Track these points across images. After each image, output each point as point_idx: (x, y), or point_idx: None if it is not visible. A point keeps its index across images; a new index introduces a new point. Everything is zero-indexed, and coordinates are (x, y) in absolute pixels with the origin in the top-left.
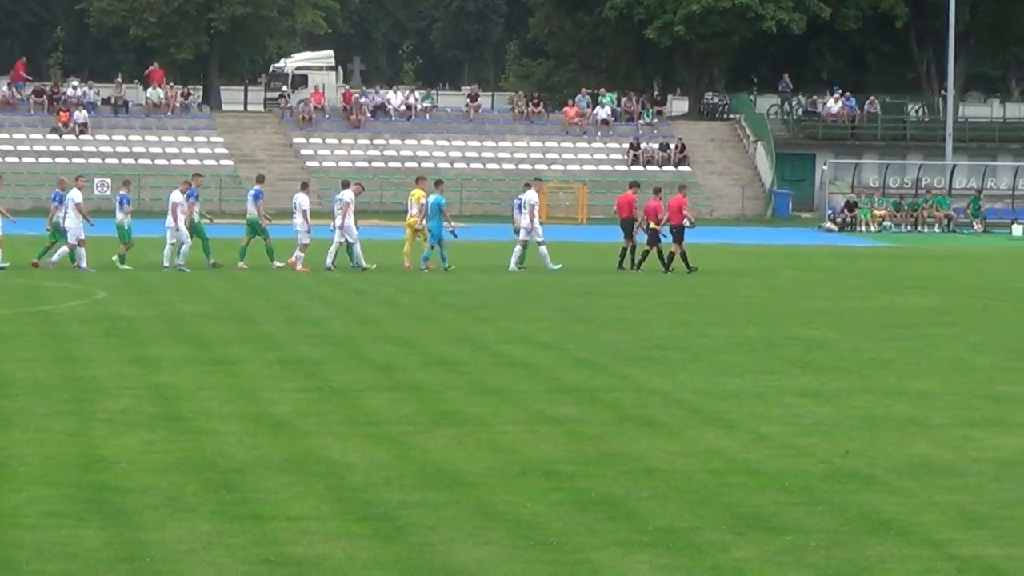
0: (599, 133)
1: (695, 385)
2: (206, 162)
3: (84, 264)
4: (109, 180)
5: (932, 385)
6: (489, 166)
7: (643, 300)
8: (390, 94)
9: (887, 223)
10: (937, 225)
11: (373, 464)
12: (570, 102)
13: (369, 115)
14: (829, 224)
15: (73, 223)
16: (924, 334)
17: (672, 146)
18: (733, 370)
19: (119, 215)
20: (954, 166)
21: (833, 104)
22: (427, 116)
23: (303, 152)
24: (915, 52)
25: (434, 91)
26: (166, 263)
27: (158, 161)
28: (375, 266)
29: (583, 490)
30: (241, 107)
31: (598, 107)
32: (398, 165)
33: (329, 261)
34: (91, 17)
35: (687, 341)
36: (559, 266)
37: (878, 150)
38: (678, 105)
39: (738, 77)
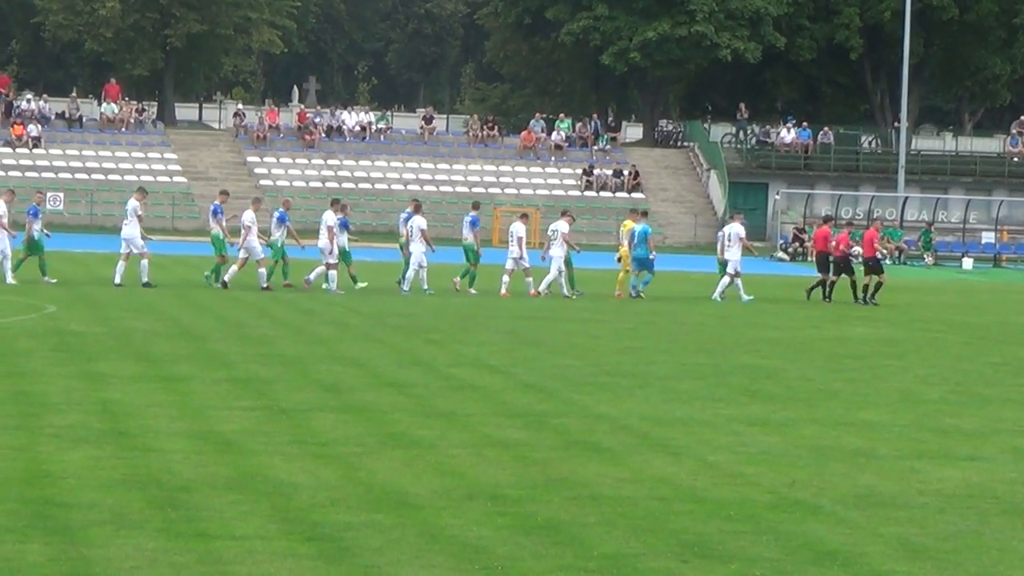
0: (553, 158)
1: (643, 412)
2: (159, 178)
3: (312, 278)
4: (62, 194)
5: (879, 416)
6: (443, 189)
7: (593, 326)
8: (345, 115)
9: None
10: (888, 257)
11: (320, 484)
12: (526, 127)
13: (323, 135)
14: (781, 253)
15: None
16: (872, 365)
17: (626, 172)
18: (681, 397)
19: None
20: (906, 198)
21: (786, 134)
22: (381, 137)
23: (257, 171)
24: (869, 84)
25: (389, 112)
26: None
27: (111, 176)
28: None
29: (529, 515)
30: (196, 124)
31: (553, 132)
32: (352, 186)
33: (544, 287)
34: (47, 31)
35: (636, 367)
36: (751, 298)
37: (831, 181)
38: (632, 132)
39: (693, 105)
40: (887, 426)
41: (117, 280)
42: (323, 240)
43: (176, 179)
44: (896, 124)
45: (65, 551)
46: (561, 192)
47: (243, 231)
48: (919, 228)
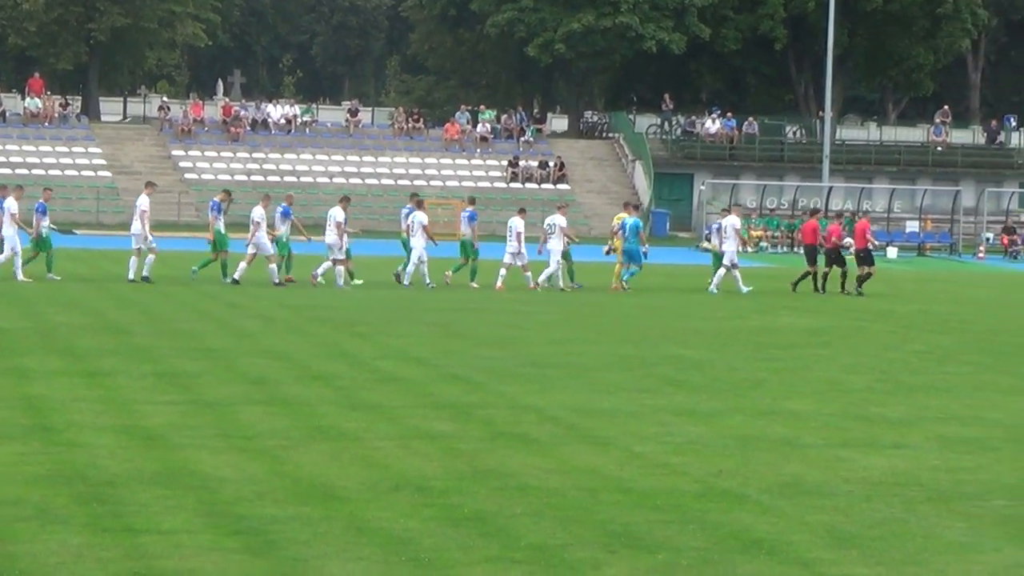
0: (478, 150)
1: (570, 402)
2: (84, 173)
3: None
4: None
5: (805, 406)
6: (368, 181)
7: (520, 317)
8: (270, 108)
9: (763, 243)
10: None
11: (246, 478)
12: (451, 119)
13: (249, 128)
14: (706, 244)
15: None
16: (798, 355)
17: (551, 164)
18: (608, 388)
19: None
20: (830, 188)
21: (712, 124)
22: (307, 130)
23: (182, 164)
24: (794, 74)
25: (314, 105)
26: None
27: (35, 171)
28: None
29: (456, 506)
30: (120, 118)
31: (478, 124)
32: (277, 179)
33: (543, 280)
34: None
35: (563, 358)
36: (750, 288)
37: (756, 171)
38: (558, 123)
39: (618, 96)
40: (813, 415)
41: (130, 276)
42: (331, 236)
43: (101, 173)
44: (820, 114)
45: None
46: (487, 184)
47: (252, 227)
48: (844, 217)
